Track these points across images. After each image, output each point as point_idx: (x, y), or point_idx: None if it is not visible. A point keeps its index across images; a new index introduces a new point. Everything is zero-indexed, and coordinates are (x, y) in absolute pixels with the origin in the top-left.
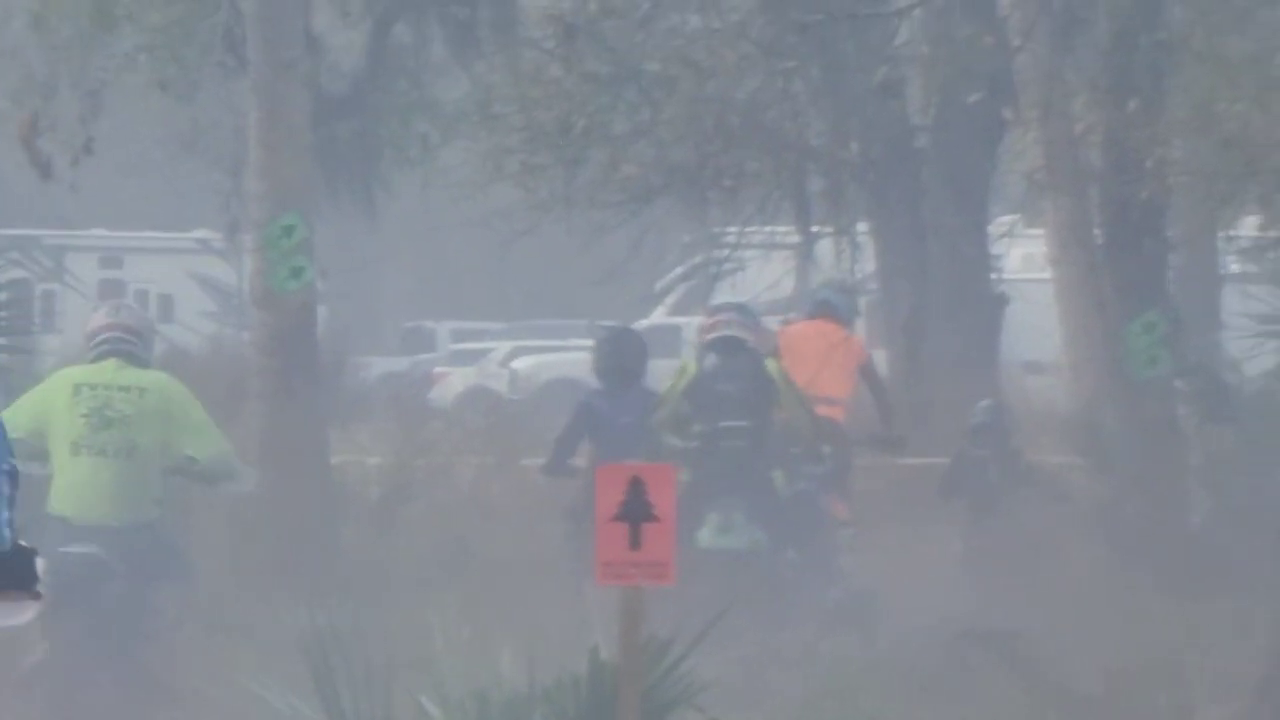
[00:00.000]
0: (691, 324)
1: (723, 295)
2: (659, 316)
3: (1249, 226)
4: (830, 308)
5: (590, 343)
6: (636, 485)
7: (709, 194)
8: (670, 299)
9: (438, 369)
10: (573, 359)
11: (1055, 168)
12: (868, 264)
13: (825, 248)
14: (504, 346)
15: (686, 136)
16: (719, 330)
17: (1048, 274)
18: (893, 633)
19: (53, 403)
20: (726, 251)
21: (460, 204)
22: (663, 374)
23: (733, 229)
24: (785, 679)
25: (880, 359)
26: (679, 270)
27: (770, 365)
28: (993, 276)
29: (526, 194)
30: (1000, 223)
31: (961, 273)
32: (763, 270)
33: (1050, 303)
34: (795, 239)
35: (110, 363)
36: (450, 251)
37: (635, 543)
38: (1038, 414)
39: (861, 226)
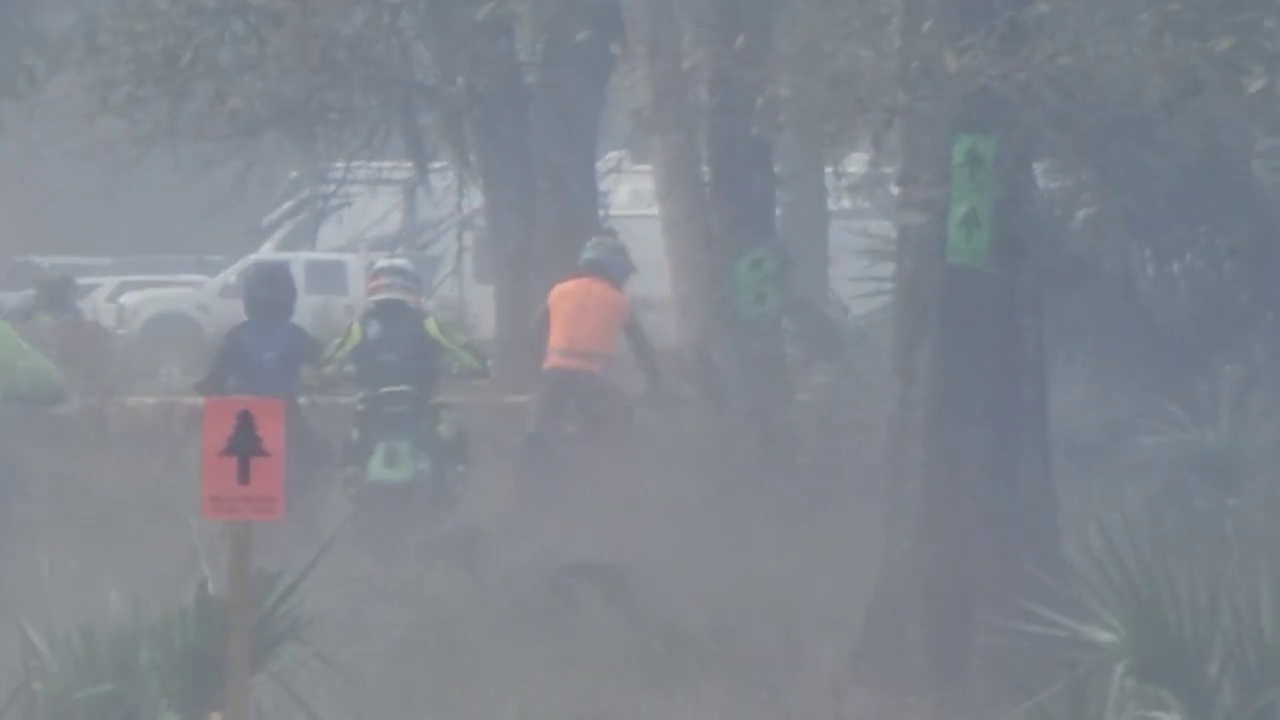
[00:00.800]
0: (300, 259)
1: (329, 230)
2: (266, 251)
3: (857, 162)
4: (598, 266)
5: (197, 278)
6: (245, 419)
7: (316, 128)
8: (278, 234)
9: None
10: (179, 294)
11: (663, 104)
12: (476, 199)
13: (434, 182)
14: (111, 281)
15: (293, 70)
16: (380, 294)
17: (655, 210)
18: (501, 566)
19: None
20: (333, 186)
21: (66, 137)
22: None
23: (340, 164)
24: (391, 612)
25: (487, 295)
26: (287, 205)
27: (430, 325)
28: (600, 212)
29: (132, 126)
30: (608, 159)
31: (569, 208)
32: (369, 205)
33: (658, 239)
34: (402, 175)
35: None
36: (56, 185)
37: (244, 477)
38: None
39: (471, 161)
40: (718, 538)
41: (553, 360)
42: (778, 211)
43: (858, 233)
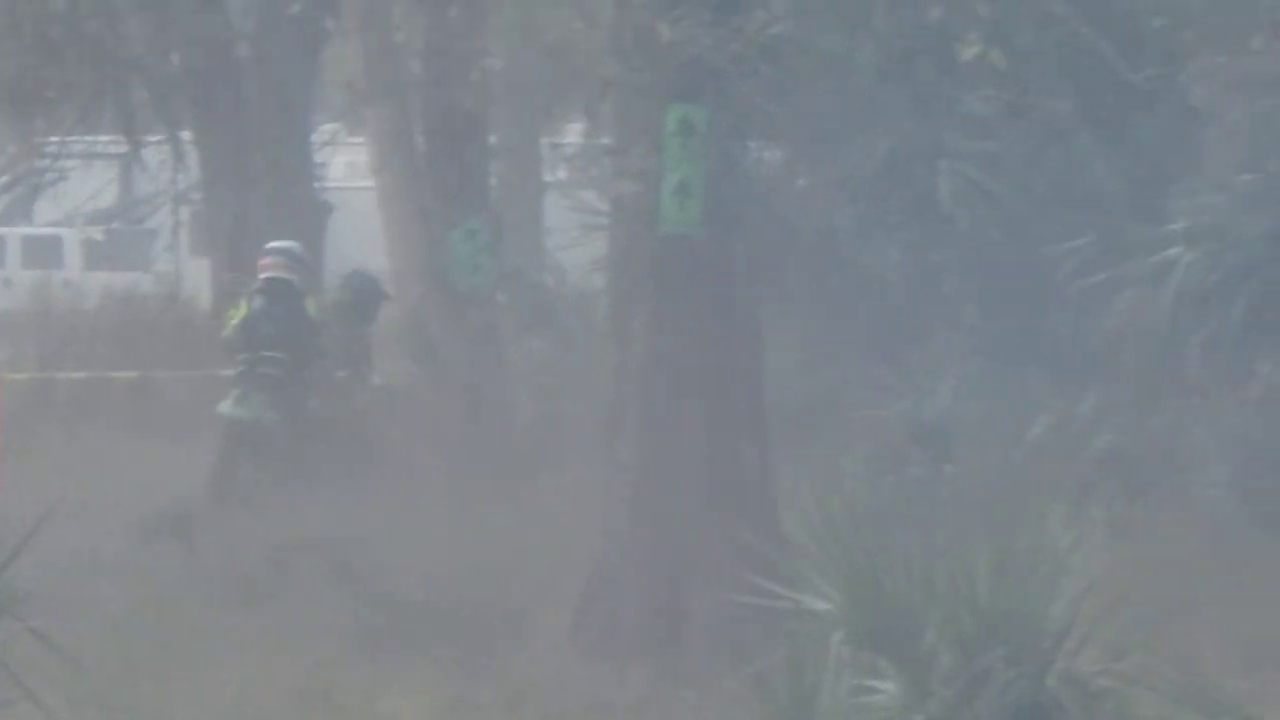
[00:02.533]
0: (15, 234)
1: (45, 205)
2: None
3: (572, 133)
4: None
5: None
6: None
7: (31, 106)
8: None
9: None
10: None
11: (375, 77)
12: (192, 173)
13: (150, 157)
14: None
15: (7, 48)
16: (266, 272)
17: (370, 182)
18: (220, 542)
19: None
20: (48, 161)
21: None
22: None
23: (55, 139)
24: (109, 588)
25: (204, 268)
26: (1, 180)
27: (310, 304)
28: (316, 185)
29: None
30: (323, 131)
31: (284, 181)
32: (85, 180)
33: (374, 211)
34: (117, 149)
35: None
36: None
37: None
38: None
39: (185, 136)
40: (437, 510)
41: None
42: (492, 182)
43: (573, 203)
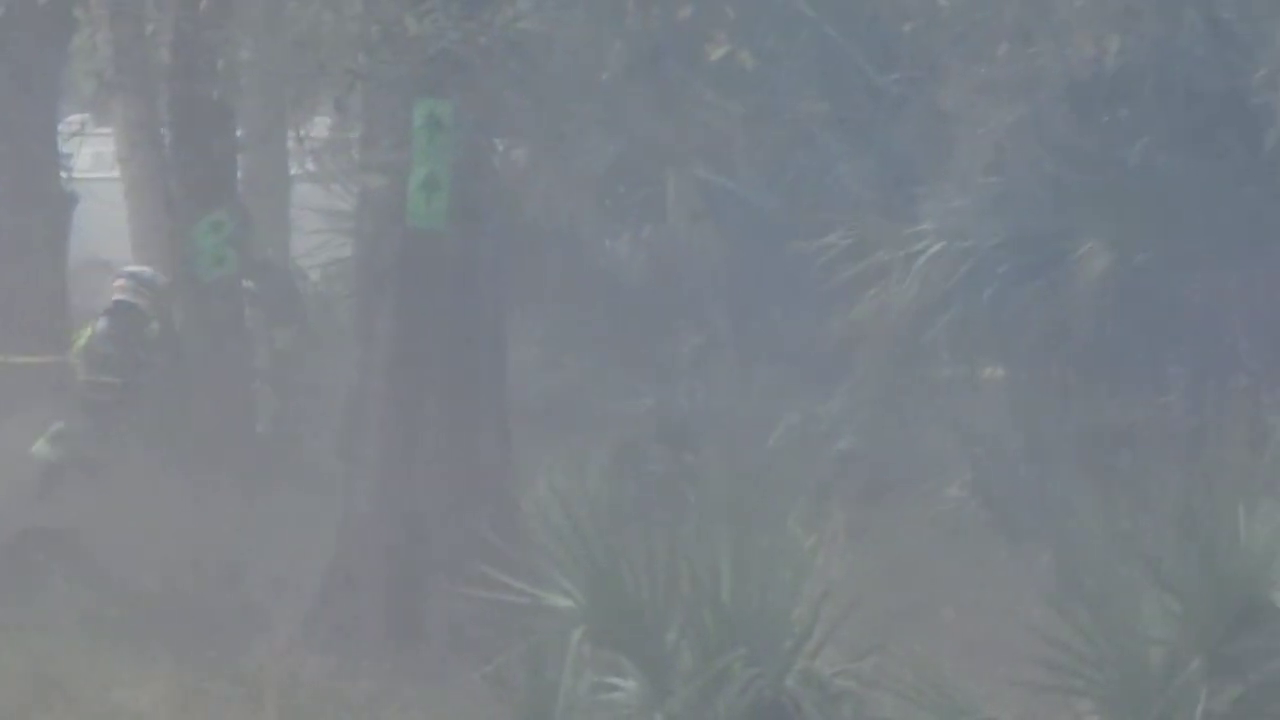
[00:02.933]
0: None
1: None
2: None
3: (320, 127)
4: None
5: None
6: None
7: None
8: None
9: None
10: None
11: (124, 66)
12: None
13: None
14: None
15: None
16: (114, 295)
17: (117, 173)
18: None
19: None
20: None
21: None
22: None
23: None
24: None
25: None
26: None
27: (152, 329)
28: (63, 175)
29: None
30: (70, 121)
31: (30, 171)
32: None
33: (120, 202)
34: None
35: None
36: None
37: None
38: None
39: None
40: (177, 503)
41: None
42: (239, 175)
43: (320, 198)
